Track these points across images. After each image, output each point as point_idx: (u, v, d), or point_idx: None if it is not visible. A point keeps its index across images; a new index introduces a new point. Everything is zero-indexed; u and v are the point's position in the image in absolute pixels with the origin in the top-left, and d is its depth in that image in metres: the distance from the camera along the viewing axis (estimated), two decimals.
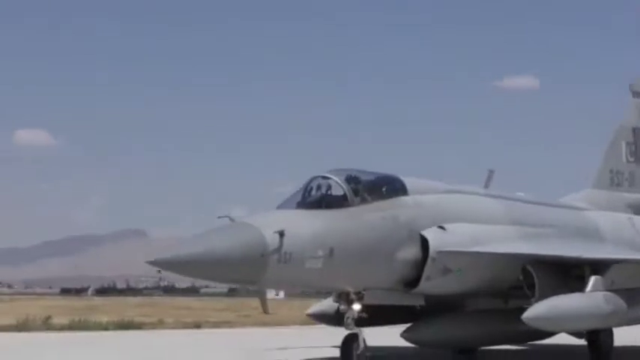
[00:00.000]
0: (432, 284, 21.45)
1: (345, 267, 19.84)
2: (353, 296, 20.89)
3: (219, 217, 19.26)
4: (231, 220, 19.04)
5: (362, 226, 20.20)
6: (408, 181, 22.05)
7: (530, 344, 27.44)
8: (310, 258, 19.14)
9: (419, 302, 22.23)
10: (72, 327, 43.06)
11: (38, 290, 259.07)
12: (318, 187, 20.54)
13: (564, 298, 21.71)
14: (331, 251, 19.44)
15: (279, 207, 20.05)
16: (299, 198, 20.28)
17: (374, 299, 21.12)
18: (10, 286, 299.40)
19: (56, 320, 45.37)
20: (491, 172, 25.98)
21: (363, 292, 20.78)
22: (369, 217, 20.40)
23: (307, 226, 19.27)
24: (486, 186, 25.77)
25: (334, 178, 20.61)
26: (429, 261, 21.26)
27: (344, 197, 20.39)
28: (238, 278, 18.97)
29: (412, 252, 21.22)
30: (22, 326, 41.97)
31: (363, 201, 20.71)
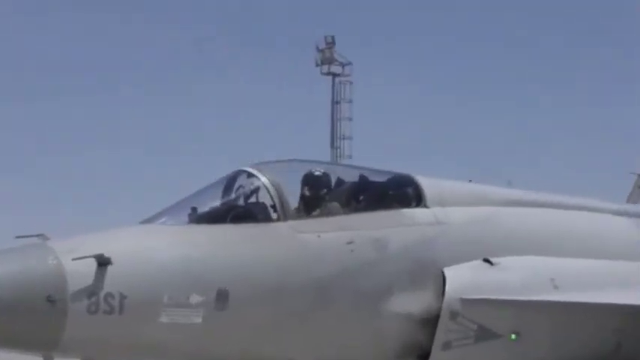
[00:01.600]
0: (458, 357, 12.42)
1: (257, 323, 11.39)
2: None
3: (17, 237, 11.43)
4: (45, 239, 11.20)
5: (295, 256, 11.71)
6: (428, 185, 13.17)
7: None
8: (172, 307, 10.89)
9: None
10: None
11: None
12: (237, 190, 12.40)
13: None
14: (221, 295, 11.01)
15: (152, 219, 11.88)
16: (197, 204, 12.19)
17: None
18: None
19: None
20: None
21: None
22: (315, 241, 11.83)
23: (168, 251, 11.10)
24: (631, 199, 15.95)
25: (258, 175, 12.30)
26: (443, 316, 12.28)
27: (269, 206, 12.04)
28: (8, 339, 10.52)
29: (423, 301, 12.37)
30: None
31: (325, 213, 12.32)
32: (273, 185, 11.98)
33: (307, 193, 12.43)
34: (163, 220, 11.78)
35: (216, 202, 12.06)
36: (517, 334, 12.64)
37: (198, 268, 11.06)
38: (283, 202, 11.92)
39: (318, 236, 11.85)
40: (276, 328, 11.50)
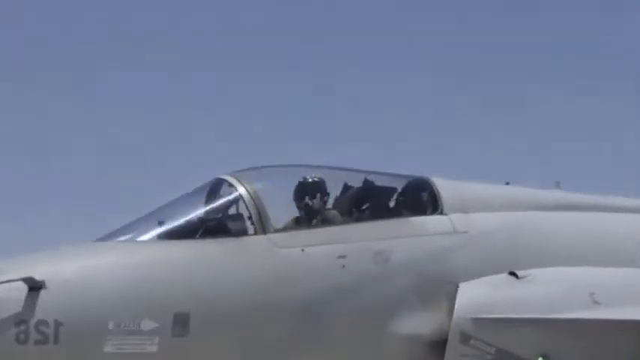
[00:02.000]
0: None
1: (225, 352, 10.11)
2: None
3: None
4: None
5: (273, 273, 10.36)
6: (445, 188, 11.60)
7: None
8: (120, 335, 9.70)
9: None
10: None
11: None
12: (212, 200, 11.13)
13: None
14: (179, 320, 9.86)
15: (110, 236, 10.78)
16: (165, 218, 10.97)
17: None
18: None
19: None
20: None
21: None
22: (298, 256, 10.45)
23: (116, 272, 9.93)
24: None
25: (235, 183, 10.93)
26: (451, 339, 10.69)
27: (246, 218, 10.74)
28: None
29: (433, 321, 10.81)
30: None
31: (314, 224, 10.97)
32: (250, 194, 10.70)
33: (296, 202, 11.13)
34: (124, 236, 10.69)
35: (186, 215, 10.86)
36: (545, 357, 10.93)
37: (152, 289, 9.87)
38: (261, 213, 10.60)
39: (302, 250, 10.49)
40: (250, 357, 10.22)
